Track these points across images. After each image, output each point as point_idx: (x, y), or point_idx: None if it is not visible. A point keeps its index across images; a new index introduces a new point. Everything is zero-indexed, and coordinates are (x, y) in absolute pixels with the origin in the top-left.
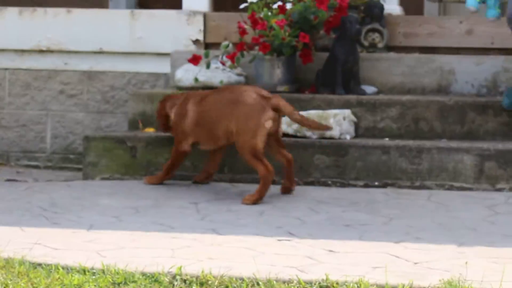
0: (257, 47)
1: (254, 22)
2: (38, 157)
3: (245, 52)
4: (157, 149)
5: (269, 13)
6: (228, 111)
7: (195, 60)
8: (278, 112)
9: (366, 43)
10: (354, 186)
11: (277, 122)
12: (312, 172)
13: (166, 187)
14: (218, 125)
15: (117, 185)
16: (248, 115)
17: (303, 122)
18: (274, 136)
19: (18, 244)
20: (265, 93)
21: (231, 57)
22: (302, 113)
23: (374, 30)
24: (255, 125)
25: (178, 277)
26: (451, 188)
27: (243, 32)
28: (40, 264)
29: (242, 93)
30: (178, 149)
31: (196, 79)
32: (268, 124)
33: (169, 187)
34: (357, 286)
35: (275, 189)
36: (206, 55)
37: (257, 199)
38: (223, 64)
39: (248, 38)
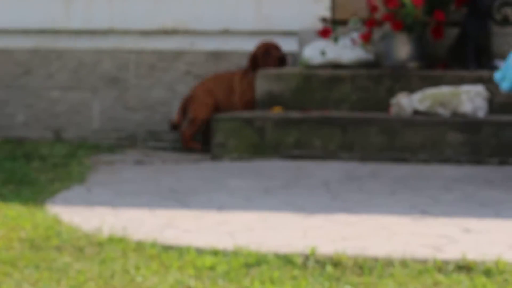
0: (387, 24)
1: (387, 0)
2: (165, 138)
3: (375, 29)
4: (285, 128)
5: None
6: None
7: (325, 33)
8: None
9: (498, 17)
10: (488, 163)
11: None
12: (445, 150)
13: (295, 167)
14: None
15: (246, 165)
16: None
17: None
18: None
19: (149, 227)
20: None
21: (364, 36)
22: (433, 89)
23: (506, 4)
24: None
25: (311, 258)
26: None
27: (374, 8)
28: (171, 246)
29: None
30: None
31: (323, 52)
32: None
33: (298, 167)
34: (495, 266)
35: (399, 170)
36: (335, 29)
37: None
38: (354, 42)
39: (377, 15)
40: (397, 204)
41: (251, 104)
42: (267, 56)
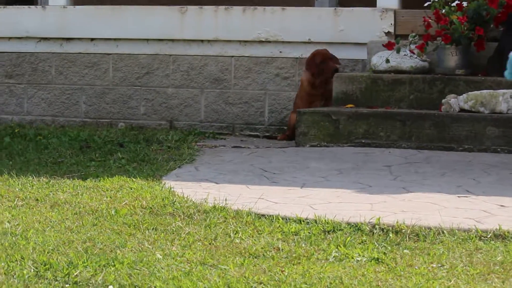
0: (439, 38)
1: (438, 18)
2: (258, 128)
3: (429, 42)
4: (356, 121)
5: (449, 10)
6: None
7: (389, 45)
8: None
9: None
10: None
11: None
12: (485, 141)
13: (363, 153)
14: None
15: (324, 151)
16: None
17: None
18: None
19: (245, 199)
20: None
21: (420, 47)
22: (476, 92)
23: None
24: None
25: (377, 226)
26: None
27: (428, 25)
28: (263, 215)
29: None
30: None
31: (387, 60)
32: None
33: (366, 153)
34: None
35: (447, 157)
36: (397, 43)
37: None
38: (412, 52)
39: (431, 31)
40: (446, 184)
41: (301, 99)
42: (324, 65)
